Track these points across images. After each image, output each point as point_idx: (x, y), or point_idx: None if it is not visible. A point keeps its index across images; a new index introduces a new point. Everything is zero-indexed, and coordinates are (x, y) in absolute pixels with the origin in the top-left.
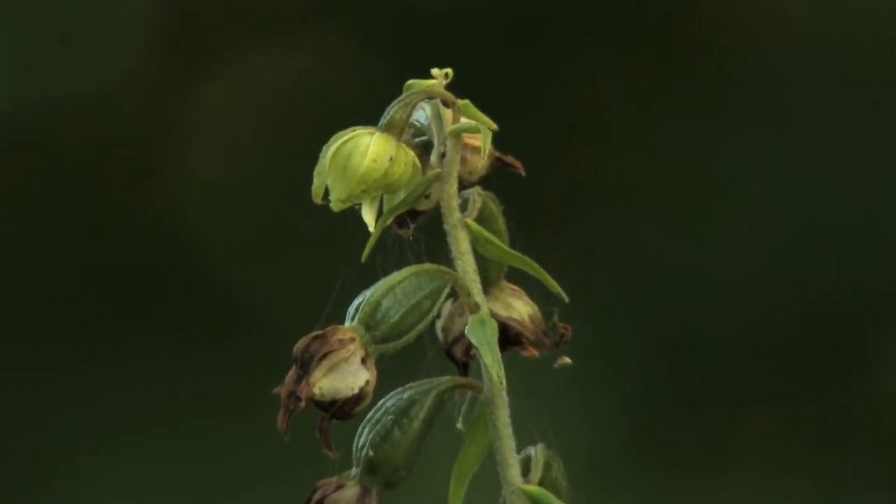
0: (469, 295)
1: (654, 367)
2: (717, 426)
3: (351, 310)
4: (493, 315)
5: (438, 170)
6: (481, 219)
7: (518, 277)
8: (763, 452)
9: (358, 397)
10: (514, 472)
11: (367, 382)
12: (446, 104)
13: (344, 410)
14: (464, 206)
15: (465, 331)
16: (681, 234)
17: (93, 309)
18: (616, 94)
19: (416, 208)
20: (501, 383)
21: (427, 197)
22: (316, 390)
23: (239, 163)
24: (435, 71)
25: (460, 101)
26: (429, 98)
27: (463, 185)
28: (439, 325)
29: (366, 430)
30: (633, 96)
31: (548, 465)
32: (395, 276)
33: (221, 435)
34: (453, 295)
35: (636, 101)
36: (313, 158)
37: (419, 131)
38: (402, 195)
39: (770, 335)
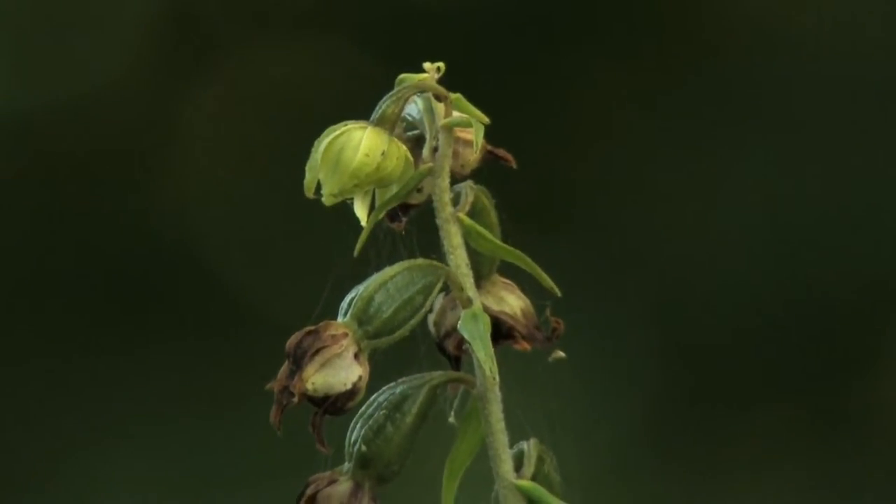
0: (461, 289)
1: (650, 363)
2: (716, 423)
3: (343, 305)
4: (486, 309)
5: (430, 164)
6: (473, 213)
7: (510, 272)
8: (763, 451)
9: (351, 392)
10: (506, 466)
11: (360, 378)
12: (438, 98)
13: (337, 406)
14: (456, 200)
15: (458, 325)
16: (680, 234)
17: (92, 309)
18: (616, 93)
19: (408, 202)
20: (494, 378)
21: (419, 191)
22: (309, 385)
23: (238, 162)
24: (427, 65)
25: (452, 95)
26: (421, 92)
27: (455, 178)
28: (431, 319)
29: (358, 425)
30: (633, 96)
31: (540, 460)
32: (388, 271)
33: (222, 433)
34: (445, 289)
35: (636, 101)
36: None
37: (411, 125)
38: (394, 189)
39: (770, 335)
